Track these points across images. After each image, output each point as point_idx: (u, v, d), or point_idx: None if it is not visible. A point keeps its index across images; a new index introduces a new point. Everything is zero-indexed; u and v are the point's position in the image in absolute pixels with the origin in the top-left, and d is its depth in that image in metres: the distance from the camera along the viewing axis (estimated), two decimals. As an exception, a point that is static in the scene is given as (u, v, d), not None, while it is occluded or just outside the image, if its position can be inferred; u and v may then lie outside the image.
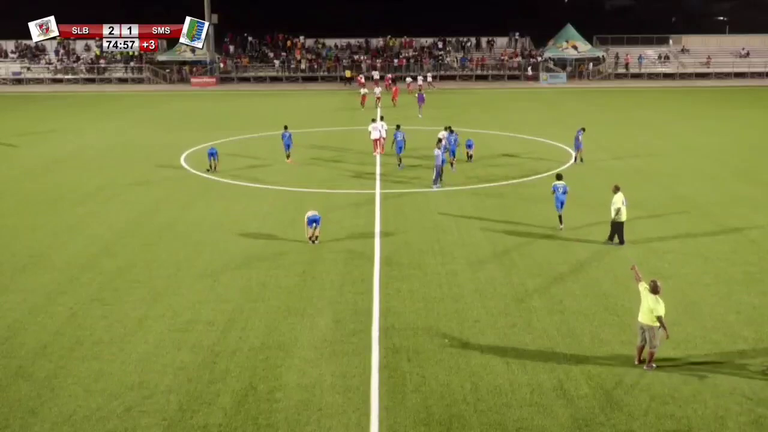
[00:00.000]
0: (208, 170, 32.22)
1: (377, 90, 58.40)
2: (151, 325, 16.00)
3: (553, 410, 12.48)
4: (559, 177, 23.86)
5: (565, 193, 23.02)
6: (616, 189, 21.38)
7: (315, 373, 13.80)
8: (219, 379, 13.62)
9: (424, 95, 54.25)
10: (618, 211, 21.09)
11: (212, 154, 32.26)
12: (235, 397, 12.96)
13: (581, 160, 33.74)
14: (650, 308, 13.64)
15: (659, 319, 13.62)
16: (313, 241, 21.61)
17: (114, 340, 15.27)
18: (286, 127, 34.42)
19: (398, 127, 33.74)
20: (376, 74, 73.81)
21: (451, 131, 33.34)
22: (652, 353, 13.87)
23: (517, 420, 12.21)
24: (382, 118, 39.33)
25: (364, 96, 56.09)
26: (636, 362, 14.04)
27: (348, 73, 78.14)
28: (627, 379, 13.51)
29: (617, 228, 21.38)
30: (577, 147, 33.72)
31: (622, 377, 13.57)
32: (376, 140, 35.48)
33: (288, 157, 34.25)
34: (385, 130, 36.19)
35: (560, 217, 23.17)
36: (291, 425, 12.10)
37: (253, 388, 13.29)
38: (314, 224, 21.46)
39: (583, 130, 33.92)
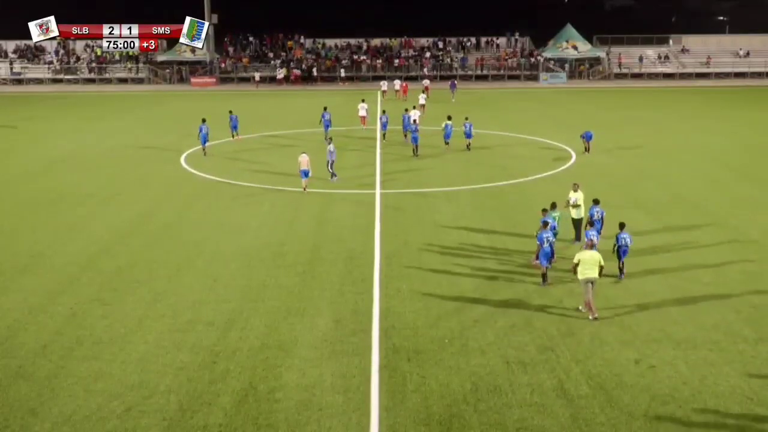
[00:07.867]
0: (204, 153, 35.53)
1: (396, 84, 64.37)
2: (151, 325, 16.00)
3: (553, 410, 12.48)
4: (449, 118, 36.68)
5: (417, 130, 35.28)
6: (576, 187, 21.90)
7: (315, 373, 13.80)
8: (219, 379, 13.62)
9: (456, 83, 63.82)
10: (579, 207, 21.55)
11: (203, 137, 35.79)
12: (235, 397, 12.96)
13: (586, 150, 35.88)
14: (600, 260, 16.10)
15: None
16: (305, 189, 27.36)
17: (114, 340, 15.28)
18: (231, 112, 41.21)
19: (449, 117, 38.34)
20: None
21: (407, 111, 38.52)
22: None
23: (517, 420, 12.21)
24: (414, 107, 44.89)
25: (385, 91, 62.19)
26: (595, 315, 15.98)
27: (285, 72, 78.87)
28: (627, 379, 13.53)
29: (579, 224, 21.67)
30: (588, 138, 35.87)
31: (622, 377, 13.58)
32: (363, 117, 42.72)
33: (233, 136, 40.36)
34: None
35: (415, 149, 35.19)
36: (291, 425, 12.11)
37: (253, 388, 13.29)
38: (305, 177, 27.34)
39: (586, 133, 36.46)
